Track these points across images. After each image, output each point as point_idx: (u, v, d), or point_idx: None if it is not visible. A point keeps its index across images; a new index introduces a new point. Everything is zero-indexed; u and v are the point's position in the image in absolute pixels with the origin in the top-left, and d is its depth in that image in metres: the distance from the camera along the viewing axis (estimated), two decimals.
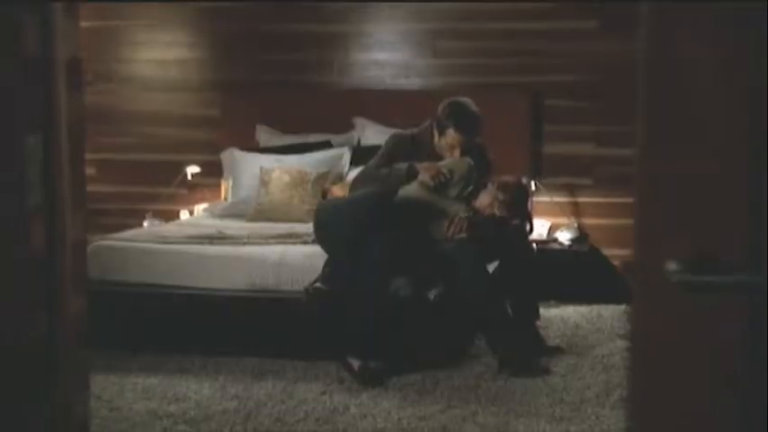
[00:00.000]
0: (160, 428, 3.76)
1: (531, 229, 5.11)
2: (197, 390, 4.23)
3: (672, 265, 1.32)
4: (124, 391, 4.19)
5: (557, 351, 4.82)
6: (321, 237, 4.76)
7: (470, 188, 4.85)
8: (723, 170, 1.34)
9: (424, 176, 4.70)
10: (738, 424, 1.53)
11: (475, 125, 4.80)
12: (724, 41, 1.30)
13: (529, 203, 5.36)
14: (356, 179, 4.95)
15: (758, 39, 1.31)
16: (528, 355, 4.58)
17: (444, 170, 4.71)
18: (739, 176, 1.34)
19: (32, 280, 1.53)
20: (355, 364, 4.34)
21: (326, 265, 4.63)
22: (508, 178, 5.03)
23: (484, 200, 4.80)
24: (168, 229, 5.60)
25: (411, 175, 4.74)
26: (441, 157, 4.84)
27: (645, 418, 1.61)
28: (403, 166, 4.75)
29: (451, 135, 4.78)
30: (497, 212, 4.79)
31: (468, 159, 4.83)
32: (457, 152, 4.80)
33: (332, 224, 4.62)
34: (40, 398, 1.56)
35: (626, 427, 1.68)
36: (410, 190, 4.76)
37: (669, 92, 1.33)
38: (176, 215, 6.73)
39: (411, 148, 4.87)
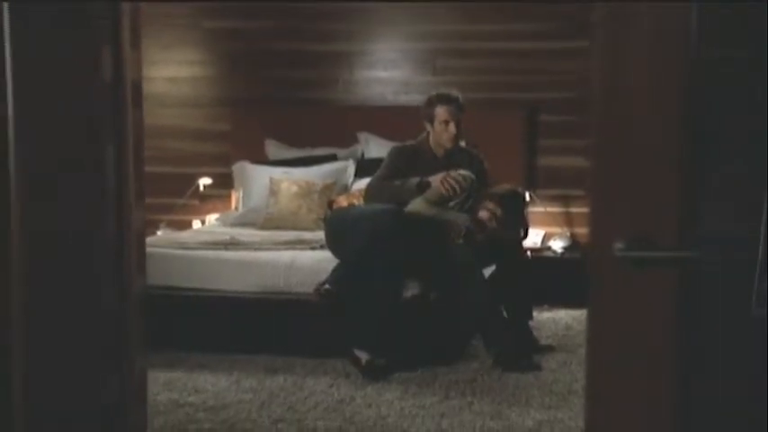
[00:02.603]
0: (182, 415, 4.11)
1: (526, 235, 5.46)
2: (214, 383, 4.58)
3: (618, 245, 1.67)
4: (148, 384, 4.52)
5: (548, 349, 5.17)
6: (335, 244, 5.10)
7: (471, 200, 5.20)
8: (659, 171, 1.69)
9: (435, 184, 5.04)
10: (679, 380, 1.88)
11: (456, 96, 5.18)
12: (657, 68, 1.66)
13: (525, 211, 5.68)
14: (369, 189, 5.25)
15: (682, 63, 1.68)
16: (521, 352, 4.92)
17: (451, 177, 5.04)
18: (672, 175, 1.69)
19: (106, 260, 1.88)
20: (363, 358, 4.69)
21: (336, 269, 4.98)
22: (504, 189, 5.34)
23: (484, 214, 5.13)
24: (185, 236, 5.96)
25: (422, 188, 5.08)
26: (441, 164, 5.18)
27: (601, 380, 1.95)
28: (414, 179, 5.09)
29: (440, 112, 5.16)
30: (496, 225, 5.12)
31: (468, 173, 5.17)
32: (452, 126, 5.16)
33: (348, 234, 4.97)
34: (111, 360, 1.92)
35: (585, 395, 2.01)
36: (416, 205, 5.10)
37: (616, 111, 1.69)
38: (189, 225, 7.08)
39: (412, 158, 5.23)
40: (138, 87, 1.97)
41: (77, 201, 1.83)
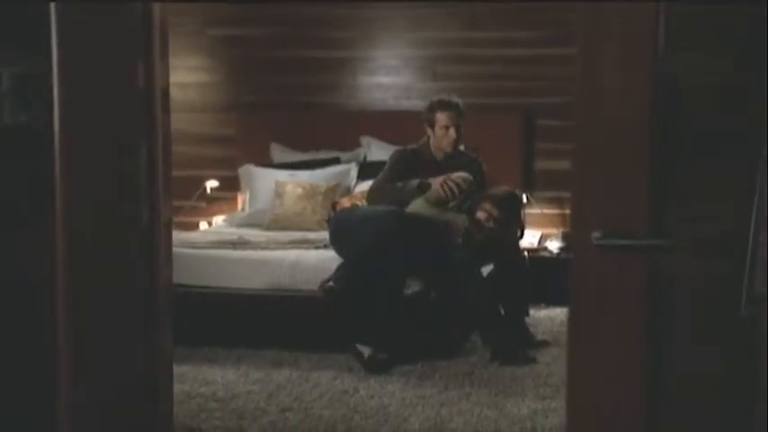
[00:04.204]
0: (194, 405, 4.32)
1: (522, 235, 5.67)
2: (223, 375, 4.78)
3: (596, 234, 1.88)
4: None
5: (543, 344, 5.37)
6: (339, 243, 5.30)
7: (469, 202, 5.40)
8: (632, 166, 1.90)
9: (435, 186, 5.25)
10: (650, 355, 2.07)
11: (456, 102, 5.40)
12: (628, 68, 1.87)
13: (522, 212, 5.89)
14: (372, 191, 5.49)
15: (651, 64, 1.89)
16: (517, 346, 5.12)
17: (451, 180, 5.25)
18: (644, 171, 1.90)
19: (139, 249, 2.09)
20: (365, 352, 4.88)
21: (339, 268, 5.18)
22: (501, 191, 5.53)
23: (481, 214, 5.33)
24: (195, 236, 6.16)
25: (422, 189, 5.29)
26: (441, 167, 5.39)
27: (582, 360, 2.15)
28: (415, 181, 5.30)
29: (441, 117, 5.39)
30: (493, 226, 5.33)
31: (467, 175, 5.37)
32: (452, 131, 5.38)
33: (351, 234, 5.17)
34: (143, 336, 2.13)
35: (567, 371, 2.20)
36: (416, 205, 5.31)
37: (593, 111, 1.90)
38: (196, 226, 7.26)
39: (413, 161, 5.44)
40: (165, 95, 2.19)
41: (115, 195, 2.04)
